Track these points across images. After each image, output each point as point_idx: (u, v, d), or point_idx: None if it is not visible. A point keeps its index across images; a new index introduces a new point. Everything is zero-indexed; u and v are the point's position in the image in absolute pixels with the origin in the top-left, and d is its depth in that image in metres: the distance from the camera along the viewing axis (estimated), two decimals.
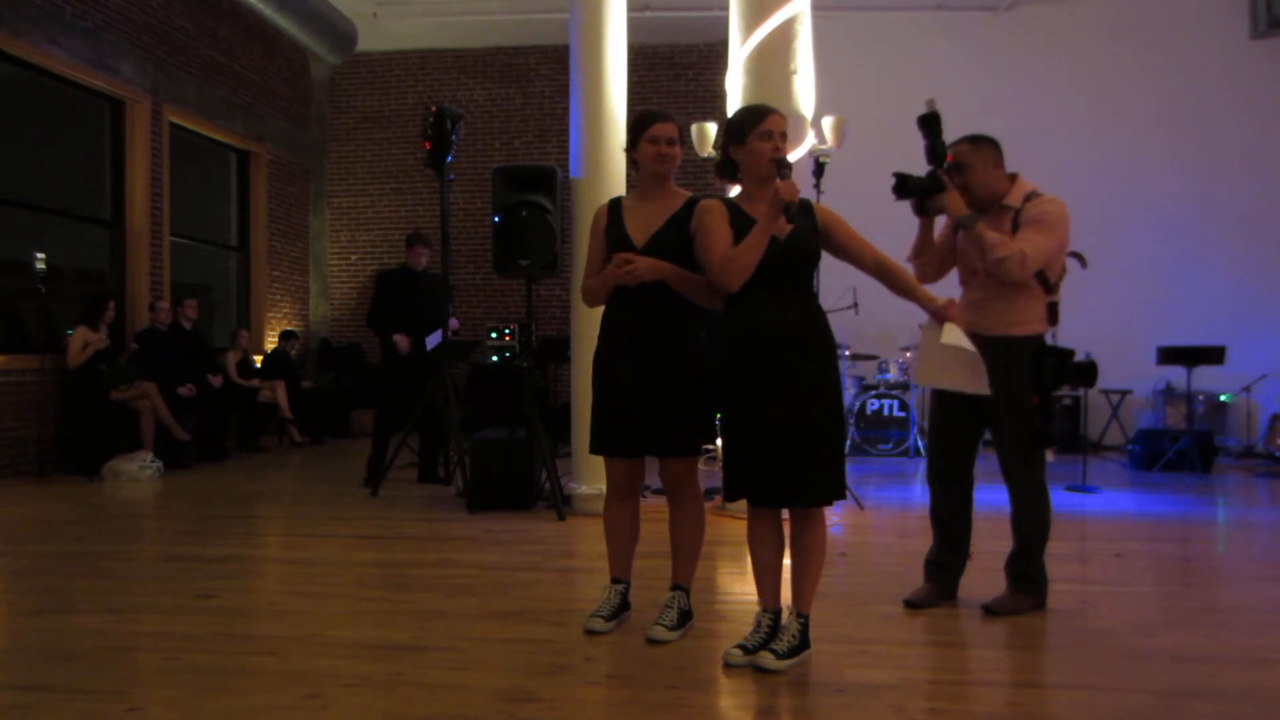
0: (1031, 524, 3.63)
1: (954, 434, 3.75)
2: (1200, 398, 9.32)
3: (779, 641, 3.01)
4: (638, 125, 3.31)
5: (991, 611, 3.60)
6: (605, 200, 3.56)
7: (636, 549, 3.53)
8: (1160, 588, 4.33)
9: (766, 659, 2.95)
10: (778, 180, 2.90)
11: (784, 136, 3.03)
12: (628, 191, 3.62)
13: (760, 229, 2.91)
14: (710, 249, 3.01)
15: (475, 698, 2.77)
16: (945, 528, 3.80)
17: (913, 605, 3.73)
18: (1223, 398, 9.56)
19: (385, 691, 2.83)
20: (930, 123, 3.50)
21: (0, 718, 2.64)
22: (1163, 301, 9.63)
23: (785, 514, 3.12)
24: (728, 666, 3.02)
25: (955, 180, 3.58)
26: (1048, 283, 3.56)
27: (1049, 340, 3.64)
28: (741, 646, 3.08)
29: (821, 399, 2.98)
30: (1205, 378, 9.02)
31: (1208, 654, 3.22)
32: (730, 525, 5.51)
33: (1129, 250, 9.56)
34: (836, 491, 3.04)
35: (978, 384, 3.23)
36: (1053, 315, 3.61)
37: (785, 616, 3.11)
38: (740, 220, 3.03)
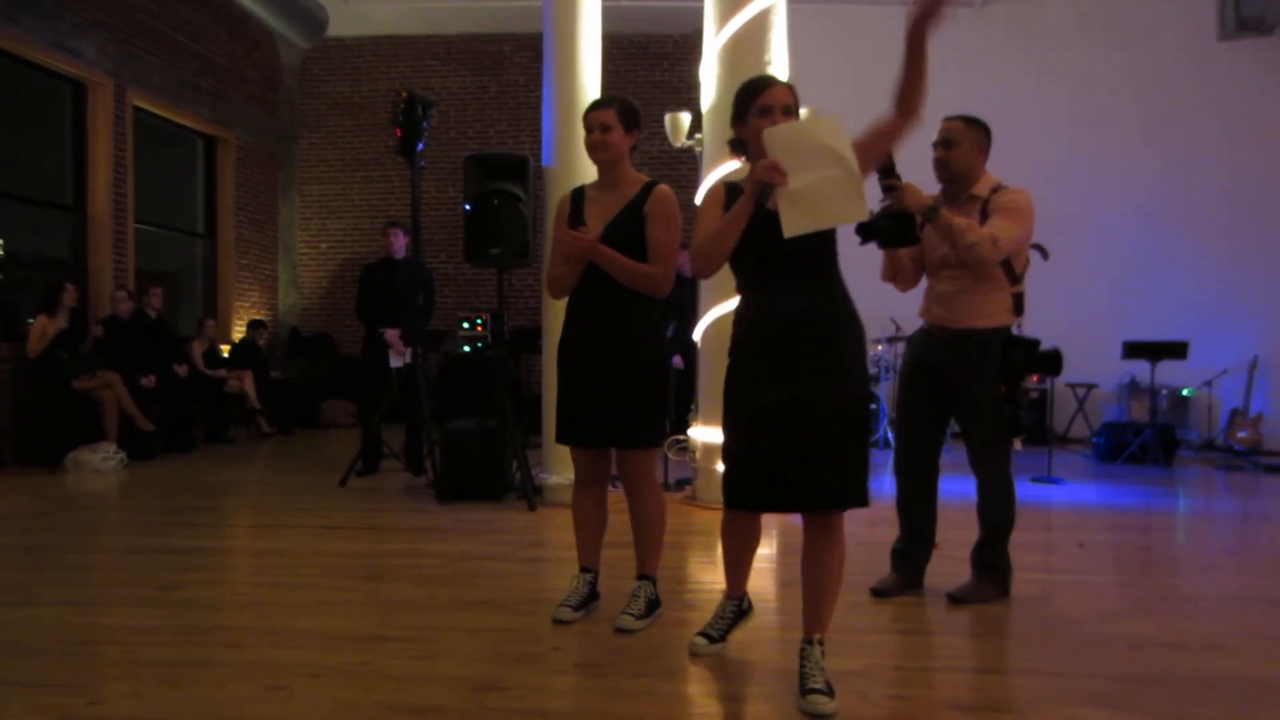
0: (998, 514, 3.67)
1: (921, 425, 3.78)
2: (1163, 392, 9.47)
3: (816, 679, 2.63)
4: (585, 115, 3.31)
5: (956, 600, 3.65)
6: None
7: (606, 539, 3.54)
8: (1121, 576, 4.39)
9: (822, 704, 2.55)
10: (759, 161, 2.62)
11: (788, 110, 2.73)
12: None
13: (735, 211, 2.65)
14: (697, 232, 2.79)
15: (442, 687, 2.76)
16: (912, 518, 3.83)
17: (879, 594, 3.77)
18: (1185, 392, 9.71)
19: (351, 681, 2.81)
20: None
21: None
22: (1129, 297, 9.74)
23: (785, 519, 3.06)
24: (693, 656, 3.03)
25: (939, 153, 3.62)
26: (1013, 273, 3.59)
27: (1015, 331, 3.68)
28: (705, 635, 3.07)
29: (845, 391, 2.67)
30: (1168, 372, 9.17)
31: (1166, 641, 3.27)
32: (700, 515, 5.54)
33: (1097, 246, 9.67)
34: (858, 496, 2.69)
35: (857, 205, 2.55)
36: (1018, 306, 3.64)
37: (801, 649, 2.75)
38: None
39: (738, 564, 3.09)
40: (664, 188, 3.29)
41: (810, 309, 2.69)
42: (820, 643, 2.73)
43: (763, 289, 2.76)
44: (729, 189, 2.88)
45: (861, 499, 2.70)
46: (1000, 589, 3.70)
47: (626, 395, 3.22)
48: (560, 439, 3.40)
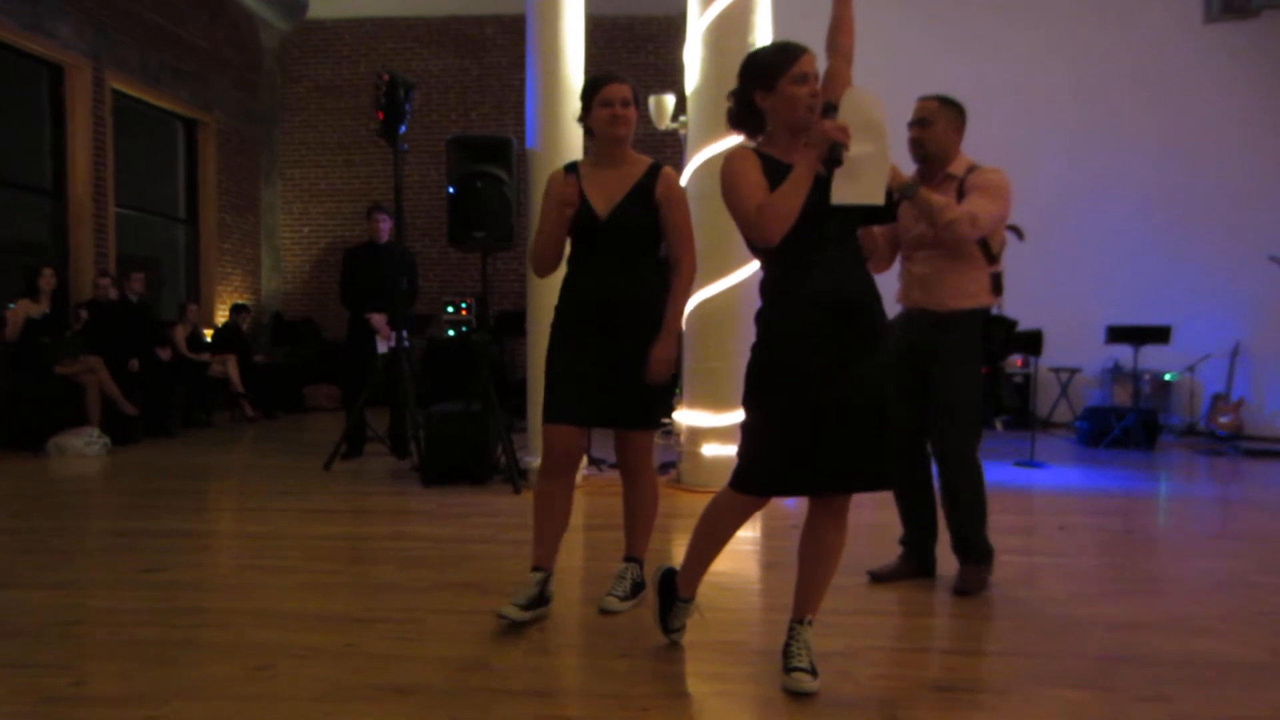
0: (970, 492, 3.59)
1: (907, 412, 3.67)
2: (1146, 377, 9.54)
3: (801, 658, 2.66)
4: (589, 90, 3.20)
5: (963, 592, 3.56)
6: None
7: (589, 521, 3.54)
8: (1102, 559, 4.44)
9: (805, 681, 2.60)
10: (823, 121, 2.47)
11: (818, 78, 2.62)
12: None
13: (803, 169, 2.47)
14: (743, 197, 2.53)
15: (427, 667, 2.77)
16: (908, 506, 3.79)
17: (877, 578, 3.74)
18: (1167, 377, 9.79)
19: (336, 662, 2.82)
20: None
21: None
22: (1113, 281, 9.80)
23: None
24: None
25: (914, 133, 3.62)
26: (990, 253, 3.60)
27: (995, 311, 3.68)
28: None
29: (887, 374, 2.62)
30: (1151, 357, 9.25)
31: (1144, 622, 3.31)
32: (685, 498, 5.55)
33: (1081, 231, 9.72)
34: (891, 478, 2.64)
35: (883, 189, 2.52)
36: (997, 286, 3.65)
37: (791, 627, 2.75)
38: (775, 171, 2.57)
39: (712, 549, 2.86)
40: (670, 170, 3.23)
41: (856, 286, 2.59)
42: (810, 623, 2.73)
43: (803, 263, 2.57)
44: (761, 158, 2.64)
45: (890, 481, 2.66)
46: (989, 568, 3.65)
47: (636, 373, 3.11)
48: (552, 416, 3.16)
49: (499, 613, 3.09)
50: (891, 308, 2.89)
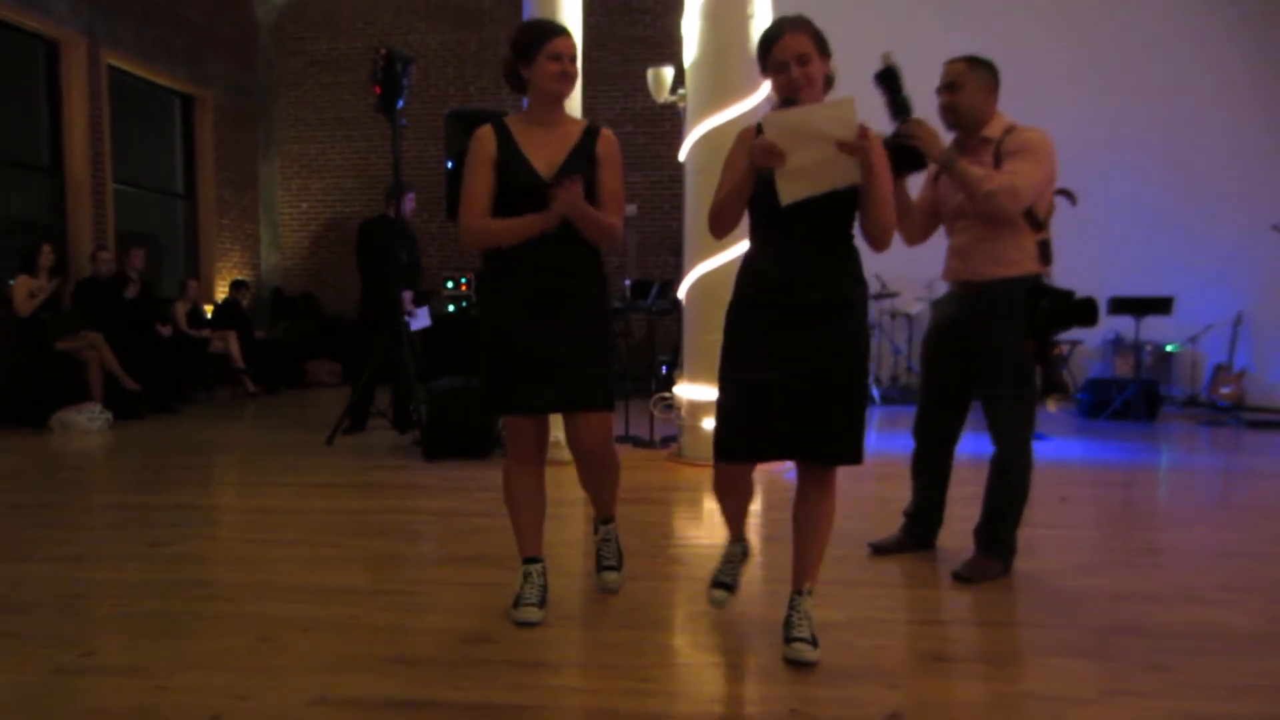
0: (1014, 488, 3.44)
1: (943, 389, 3.58)
2: (1148, 348, 9.52)
3: (802, 628, 2.67)
4: (534, 40, 2.89)
5: (962, 578, 3.39)
6: None
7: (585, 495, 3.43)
8: (1103, 530, 4.45)
9: (806, 651, 2.62)
10: (758, 140, 2.57)
11: (802, 60, 2.66)
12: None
13: (738, 182, 2.65)
14: (717, 190, 2.72)
15: (431, 639, 2.79)
16: (924, 482, 3.72)
17: (879, 550, 3.71)
18: (1169, 348, 9.78)
19: (340, 633, 2.84)
20: (888, 78, 3.28)
21: None
22: (1115, 252, 9.76)
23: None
24: (716, 607, 2.97)
25: (944, 99, 3.39)
26: (1036, 220, 3.36)
27: (1044, 281, 3.40)
28: (721, 585, 2.97)
29: (845, 347, 2.66)
30: (1153, 328, 9.23)
31: (1145, 592, 3.32)
32: (686, 472, 5.57)
33: (1082, 202, 9.67)
34: (851, 453, 2.67)
35: (851, 172, 2.59)
36: (1045, 254, 3.39)
37: (791, 598, 2.77)
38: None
39: (736, 514, 2.97)
40: (609, 131, 3.04)
41: (814, 267, 2.66)
42: (809, 593, 2.74)
43: (769, 242, 2.73)
44: (760, 130, 2.71)
45: (856, 456, 2.68)
46: (1004, 566, 3.45)
47: (586, 354, 2.92)
48: (497, 408, 2.96)
49: (519, 620, 2.91)
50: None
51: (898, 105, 3.28)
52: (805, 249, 2.67)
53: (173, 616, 3.00)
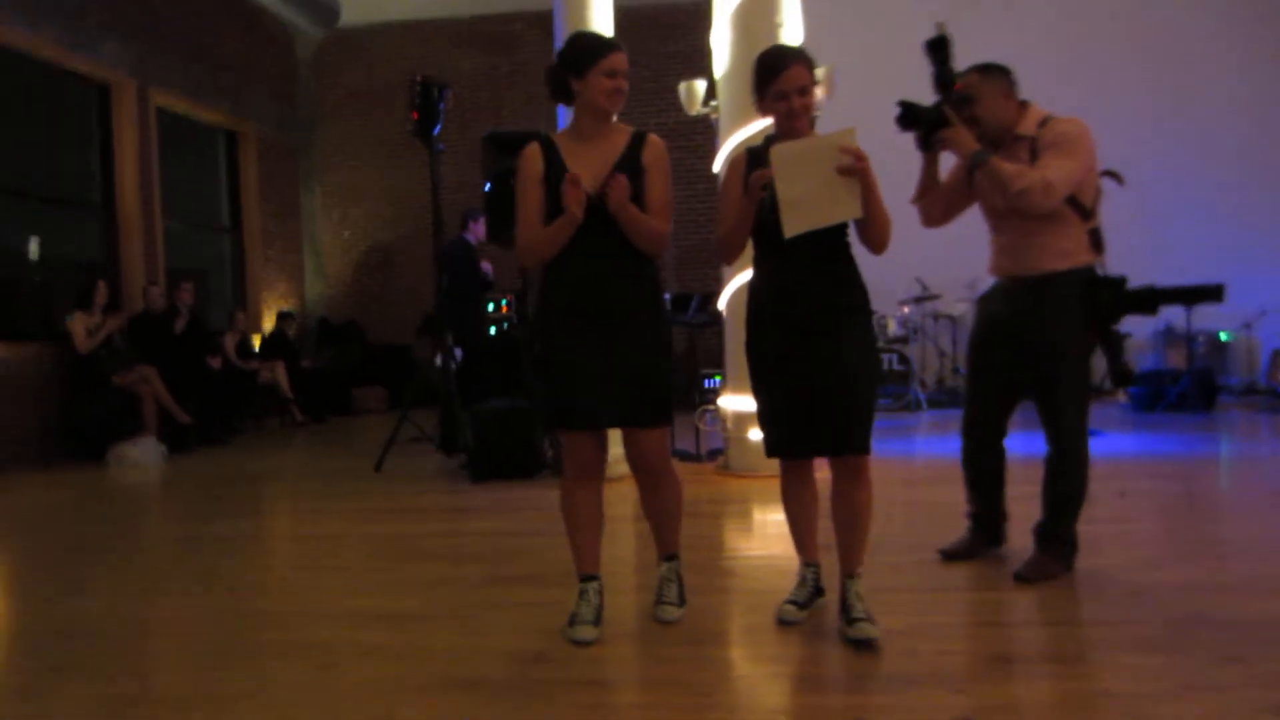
0: (1072, 484, 3.35)
1: (990, 388, 3.51)
2: (1200, 338, 9.30)
3: (858, 609, 2.79)
4: (589, 53, 2.88)
5: (1023, 579, 3.30)
6: None
7: (638, 513, 3.42)
8: (1165, 523, 4.34)
9: (868, 629, 2.73)
10: (755, 174, 2.77)
11: (803, 91, 2.82)
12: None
13: (741, 213, 2.86)
14: (719, 213, 2.94)
15: (488, 659, 2.79)
16: (977, 482, 3.63)
17: (948, 556, 3.61)
18: (1223, 336, 9.55)
19: (398, 659, 2.84)
20: (938, 48, 3.25)
21: (13, 698, 2.66)
22: (1161, 241, 9.56)
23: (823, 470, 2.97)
24: (785, 624, 2.95)
25: (964, 113, 3.29)
26: (1083, 208, 3.27)
27: (1099, 271, 3.33)
28: (794, 602, 2.99)
29: (848, 350, 2.83)
30: (1205, 317, 9.00)
31: (1213, 584, 3.23)
32: (734, 484, 5.53)
33: (1127, 190, 9.48)
34: (860, 444, 2.84)
35: (852, 205, 2.74)
36: (1097, 242, 3.31)
37: (842, 583, 2.88)
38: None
39: (799, 525, 3.05)
40: (656, 137, 3.00)
41: (812, 278, 2.86)
42: (858, 576, 2.87)
43: (771, 262, 2.93)
44: (750, 156, 2.96)
45: (862, 446, 2.86)
46: (1065, 565, 3.36)
47: (645, 368, 2.89)
48: (560, 424, 2.95)
49: (575, 639, 2.86)
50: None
51: (943, 78, 3.27)
52: (806, 264, 2.85)
53: (231, 646, 3.03)
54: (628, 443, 2.97)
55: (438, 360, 7.03)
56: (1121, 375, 3.37)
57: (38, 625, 3.39)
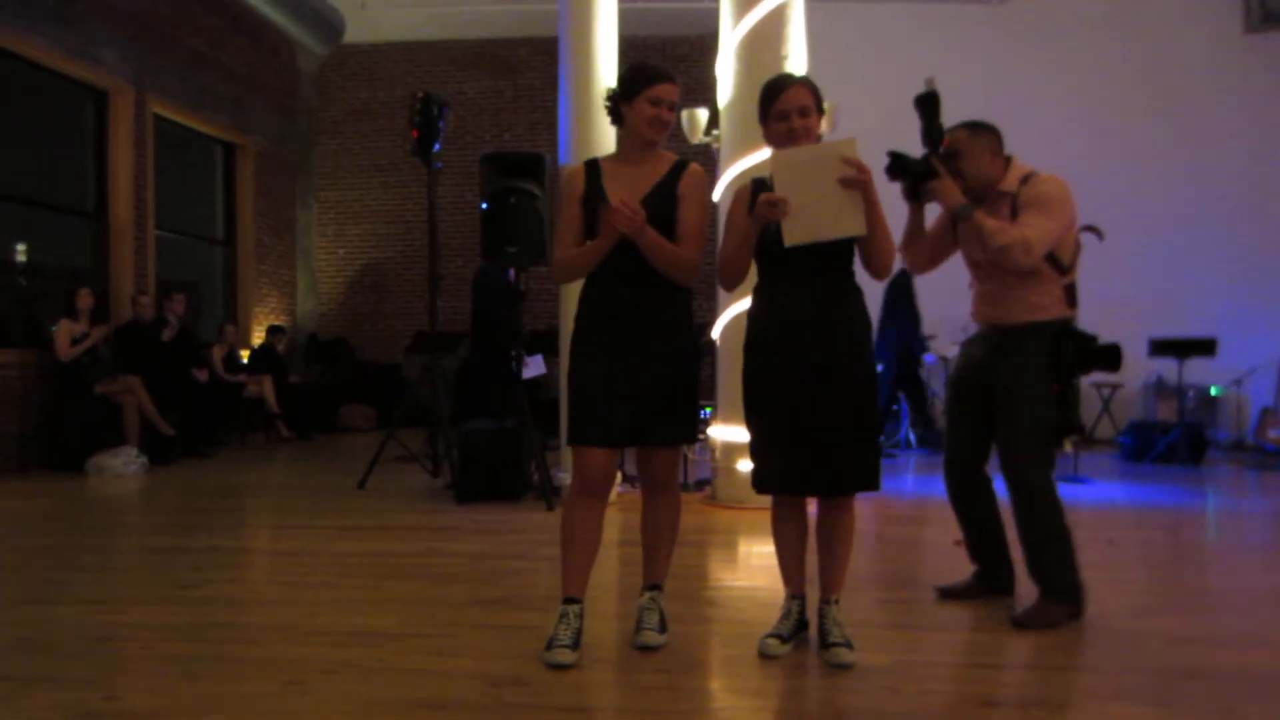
0: (1043, 528, 3.31)
1: (966, 428, 3.54)
2: (1191, 391, 9.30)
3: (836, 634, 2.86)
4: (639, 80, 2.92)
5: (1021, 624, 3.25)
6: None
7: (624, 539, 3.43)
8: (1153, 572, 4.30)
9: (844, 654, 2.80)
10: (762, 196, 2.79)
11: (804, 112, 2.86)
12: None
13: (744, 235, 2.89)
14: (721, 239, 2.98)
15: (460, 682, 2.72)
16: (969, 521, 3.61)
17: (945, 594, 3.58)
18: (1213, 391, 9.55)
19: (368, 677, 2.77)
20: (928, 103, 3.31)
21: None
22: (1154, 294, 9.60)
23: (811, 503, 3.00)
24: (766, 658, 2.89)
25: (950, 167, 3.34)
26: (1060, 264, 3.35)
27: (1072, 325, 3.41)
28: (777, 635, 2.95)
29: (847, 386, 2.84)
30: (1196, 371, 9.01)
31: (1201, 636, 3.19)
32: (721, 515, 5.48)
33: (1120, 242, 9.46)
34: (868, 480, 2.88)
35: (855, 221, 2.77)
36: (1071, 298, 3.40)
37: (820, 608, 2.95)
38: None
39: (787, 556, 3.04)
40: (697, 166, 3.05)
41: (810, 310, 2.85)
42: (836, 602, 2.92)
43: (773, 288, 2.94)
44: (756, 186, 2.97)
45: (873, 483, 2.89)
46: (1072, 609, 3.29)
47: (669, 388, 2.93)
48: (580, 439, 2.97)
49: (552, 663, 2.81)
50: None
51: (931, 133, 3.31)
52: (809, 290, 2.86)
53: (199, 659, 2.95)
54: (640, 457, 3.07)
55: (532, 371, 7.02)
56: (1067, 428, 3.39)
57: (1, 633, 3.30)
